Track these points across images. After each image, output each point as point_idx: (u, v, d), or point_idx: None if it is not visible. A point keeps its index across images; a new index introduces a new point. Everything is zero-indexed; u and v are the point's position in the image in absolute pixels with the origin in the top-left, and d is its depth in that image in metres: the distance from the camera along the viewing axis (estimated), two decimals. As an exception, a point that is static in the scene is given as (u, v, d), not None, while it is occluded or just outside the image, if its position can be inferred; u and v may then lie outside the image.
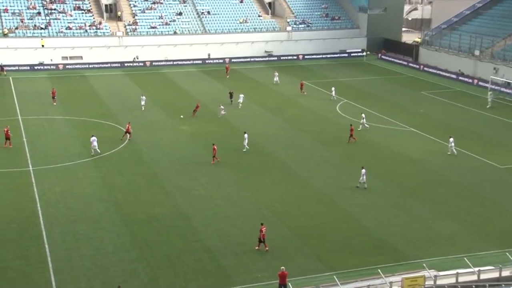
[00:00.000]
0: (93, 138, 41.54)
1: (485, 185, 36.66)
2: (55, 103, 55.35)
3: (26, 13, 78.33)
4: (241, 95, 55.55)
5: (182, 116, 51.25)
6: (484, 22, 76.70)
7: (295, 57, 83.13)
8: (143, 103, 54.33)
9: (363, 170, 35.77)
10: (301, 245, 29.02)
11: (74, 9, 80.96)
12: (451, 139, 42.38)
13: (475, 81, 67.16)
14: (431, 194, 35.25)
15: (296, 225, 31.11)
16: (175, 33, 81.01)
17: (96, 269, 26.59)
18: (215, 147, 39.93)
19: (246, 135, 42.93)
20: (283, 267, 24.98)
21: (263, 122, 51.00)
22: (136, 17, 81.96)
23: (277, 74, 66.99)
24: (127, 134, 44.88)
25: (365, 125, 48.42)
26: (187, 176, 37.84)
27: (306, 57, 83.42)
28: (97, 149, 41.26)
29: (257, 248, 28.44)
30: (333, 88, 59.58)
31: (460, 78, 69.67)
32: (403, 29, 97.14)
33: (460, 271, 24.33)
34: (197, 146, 43.78)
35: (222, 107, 46.16)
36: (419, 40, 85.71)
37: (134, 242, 29.04)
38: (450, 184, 36.88)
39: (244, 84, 66.73)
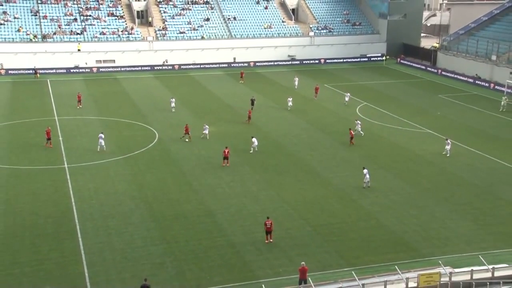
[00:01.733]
0: (100, 135, 42.04)
1: (501, 187, 35.99)
2: (80, 106, 55.63)
3: (64, 19, 79.58)
4: (290, 99, 56.10)
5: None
6: (501, 27, 75.36)
7: (317, 61, 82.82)
8: (173, 105, 54.68)
9: (365, 170, 35.69)
10: (322, 241, 28.89)
11: (108, 15, 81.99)
12: (448, 141, 42.13)
13: (492, 85, 66.04)
14: (449, 195, 34.76)
15: (318, 223, 30.98)
16: (202, 38, 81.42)
17: (126, 262, 26.86)
18: (227, 149, 39.57)
19: (254, 139, 42.46)
20: (303, 262, 24.92)
21: (287, 123, 50.90)
22: (166, 23, 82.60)
23: (297, 79, 66.23)
24: (187, 134, 44.98)
25: (360, 132, 46.70)
26: (213, 174, 37.95)
27: (327, 61, 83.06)
28: (103, 146, 41.64)
29: (267, 241, 28.52)
30: (347, 94, 58.52)
31: (477, 82, 68.55)
32: (422, 34, 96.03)
33: (474, 268, 23.98)
34: (223, 147, 43.89)
35: (206, 126, 45.72)
36: (437, 45, 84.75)
37: (162, 237, 29.25)
38: (467, 186, 36.30)
39: (268, 87, 66.70)
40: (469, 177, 37.67)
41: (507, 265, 24.57)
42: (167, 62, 78.30)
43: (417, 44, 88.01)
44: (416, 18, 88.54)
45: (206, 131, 45.68)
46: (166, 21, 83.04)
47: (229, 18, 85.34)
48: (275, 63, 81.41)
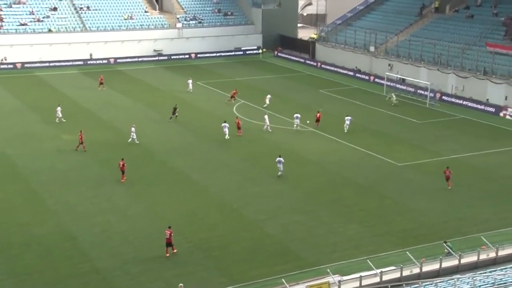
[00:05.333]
0: None
1: (385, 184, 38.61)
2: None
3: None
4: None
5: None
6: (378, 17, 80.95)
7: (187, 56, 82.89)
8: (59, 114, 50.63)
9: (280, 159, 38.50)
10: (201, 258, 28.91)
11: None
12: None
13: (371, 78, 70.69)
14: (334, 197, 36.56)
15: (196, 237, 30.94)
16: (50, 31, 77.74)
17: (-33, 304, 24.80)
18: (123, 162, 38.40)
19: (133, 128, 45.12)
20: (181, 284, 24.76)
21: (156, 127, 50.29)
22: (1, 13, 77.47)
23: (190, 81, 63.80)
24: (81, 144, 43.14)
25: (269, 129, 49.28)
26: (72, 190, 36.40)
27: (199, 55, 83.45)
28: None
29: (167, 255, 28.66)
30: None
31: (357, 75, 72.96)
32: (299, 25, 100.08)
33: (363, 274, 25.39)
34: (82, 157, 42.25)
35: (133, 129, 44.77)
36: (315, 36, 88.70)
37: (10, 270, 27.38)
38: (352, 185, 38.45)
39: (133, 87, 65.49)
40: (354, 176, 39.93)
41: (394, 268, 26.35)
42: (5, 60, 73.62)
43: (294, 36, 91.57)
44: (292, 7, 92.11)
45: (134, 136, 45.33)
46: (2, 10, 77.93)
47: (81, 8, 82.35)
48: (140, 59, 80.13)
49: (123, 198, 35.68)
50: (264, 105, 56.95)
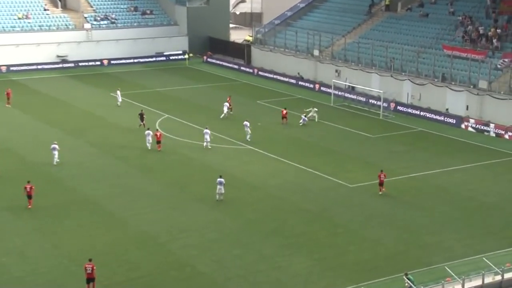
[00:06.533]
0: None
1: (336, 210, 39.19)
2: None
3: None
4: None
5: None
6: (321, 16, 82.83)
7: (98, 63, 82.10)
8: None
9: (221, 179, 39.23)
10: (121, 305, 28.44)
11: None
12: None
13: (317, 86, 72.02)
14: (277, 226, 36.76)
15: (113, 280, 30.39)
16: None
17: None
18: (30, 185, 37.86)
19: None
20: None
21: (64, 148, 49.28)
22: None
23: (119, 93, 63.17)
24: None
25: (209, 146, 49.78)
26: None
27: (112, 62, 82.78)
28: None
29: None
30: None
31: (300, 83, 74.15)
32: (231, 25, 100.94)
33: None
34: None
35: None
36: (250, 38, 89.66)
37: None
38: (298, 212, 38.80)
39: (32, 101, 64.10)
40: (300, 202, 40.35)
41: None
42: None
43: (226, 38, 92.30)
44: (222, 5, 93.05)
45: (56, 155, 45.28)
46: None
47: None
48: (39, 66, 78.77)
49: (20, 234, 34.76)
50: (221, 115, 58.59)
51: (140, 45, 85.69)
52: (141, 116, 54.78)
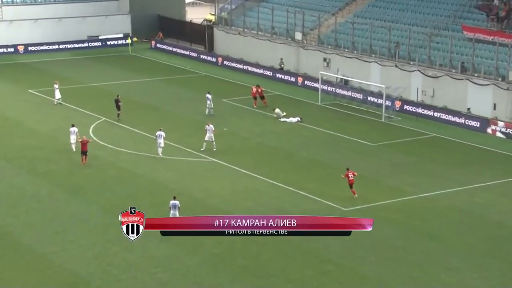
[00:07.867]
0: None
1: (324, 240, 38.66)
2: None
3: None
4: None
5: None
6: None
7: (11, 50, 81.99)
8: None
9: (174, 202, 39.00)
10: None
11: None
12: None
13: (299, 79, 72.03)
14: (249, 262, 36.57)
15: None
16: None
17: None
18: None
19: None
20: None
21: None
22: None
23: (57, 86, 63.28)
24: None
25: (160, 154, 50.32)
26: None
27: (30, 48, 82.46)
28: None
29: None
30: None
31: (278, 75, 74.16)
32: (187, 1, 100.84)
33: None
34: None
35: None
36: (212, 18, 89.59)
37: None
38: (277, 244, 38.39)
39: None
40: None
41: None
42: None
43: (181, 17, 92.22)
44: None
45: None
46: None
47: None
48: None
49: None
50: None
51: (67, 26, 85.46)
52: (117, 104, 54.63)
